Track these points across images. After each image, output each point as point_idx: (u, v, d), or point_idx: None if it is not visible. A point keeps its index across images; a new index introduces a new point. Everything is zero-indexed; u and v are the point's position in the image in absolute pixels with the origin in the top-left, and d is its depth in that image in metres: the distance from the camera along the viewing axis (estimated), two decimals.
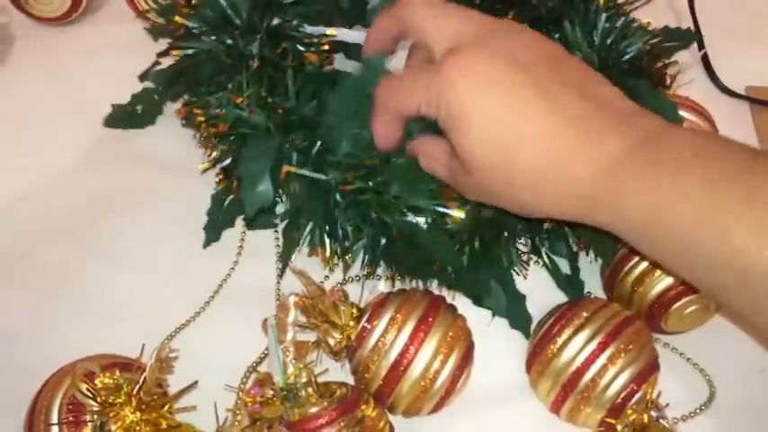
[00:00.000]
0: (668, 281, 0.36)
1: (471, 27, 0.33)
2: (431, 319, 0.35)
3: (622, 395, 0.34)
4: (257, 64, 0.38)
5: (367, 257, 0.38)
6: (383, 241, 0.37)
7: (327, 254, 0.38)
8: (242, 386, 0.36)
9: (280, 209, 0.41)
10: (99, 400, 0.31)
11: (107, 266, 0.42)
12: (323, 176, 0.37)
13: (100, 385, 0.31)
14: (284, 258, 0.41)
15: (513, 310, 0.39)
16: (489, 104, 0.30)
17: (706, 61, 0.54)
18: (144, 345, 0.34)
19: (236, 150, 0.39)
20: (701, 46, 0.54)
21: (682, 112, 0.41)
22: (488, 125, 0.31)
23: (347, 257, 0.39)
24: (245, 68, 0.38)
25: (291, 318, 0.35)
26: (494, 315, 0.39)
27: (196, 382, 0.34)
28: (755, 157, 0.27)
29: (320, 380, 0.34)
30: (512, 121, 0.30)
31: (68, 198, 0.45)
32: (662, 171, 0.27)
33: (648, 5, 0.45)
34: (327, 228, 0.38)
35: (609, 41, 0.40)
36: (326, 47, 0.40)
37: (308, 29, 0.40)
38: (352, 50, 0.42)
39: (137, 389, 0.31)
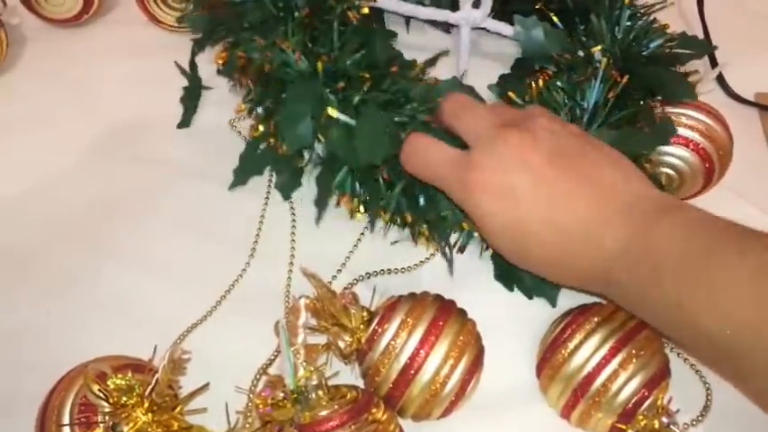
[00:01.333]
0: None
1: (491, 122, 0.38)
2: (441, 323, 0.35)
3: (633, 401, 0.33)
4: (306, 12, 0.40)
5: (393, 206, 0.40)
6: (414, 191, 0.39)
7: (355, 203, 0.40)
8: (253, 388, 0.36)
9: None
10: (111, 401, 0.31)
11: (117, 267, 0.42)
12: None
13: (112, 386, 0.31)
14: (319, 204, 0.43)
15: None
16: (507, 215, 0.36)
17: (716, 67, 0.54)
18: (156, 346, 0.34)
19: (275, 95, 0.40)
20: (713, 56, 0.54)
21: (699, 116, 0.42)
22: (508, 231, 0.36)
23: (377, 209, 0.41)
24: (290, 17, 0.40)
25: (302, 320, 0.35)
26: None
27: (207, 384, 0.35)
28: (712, 242, 0.31)
29: (330, 383, 0.34)
30: (526, 226, 0.35)
31: (80, 198, 0.45)
32: (645, 268, 0.32)
33: (659, 12, 0.45)
34: (360, 175, 0.40)
35: (631, 36, 0.42)
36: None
37: None
38: None
39: (149, 390, 0.31)
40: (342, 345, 0.36)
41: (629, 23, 0.43)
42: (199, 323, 0.39)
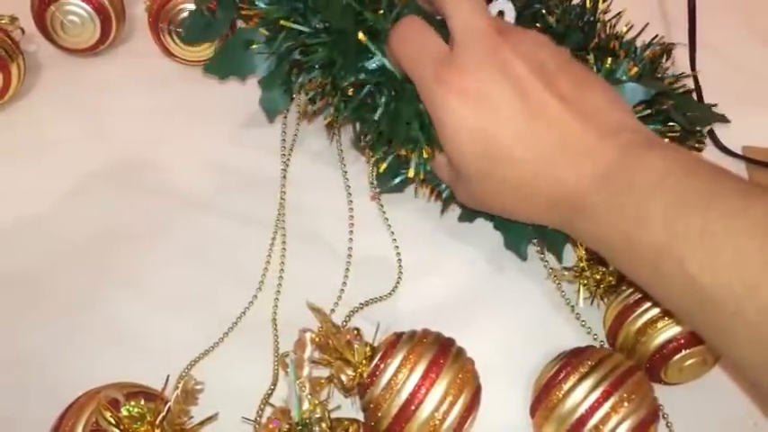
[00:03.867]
0: (669, 333, 0.38)
1: (482, 23, 0.36)
2: (442, 361, 0.36)
3: None
4: None
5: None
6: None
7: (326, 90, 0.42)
8: (258, 419, 0.37)
9: None
10: (122, 427, 0.32)
11: (123, 295, 0.43)
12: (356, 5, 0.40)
13: (125, 414, 0.32)
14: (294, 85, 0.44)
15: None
16: (479, 122, 0.34)
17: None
18: (168, 376, 0.35)
19: None
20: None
21: None
22: (476, 141, 0.34)
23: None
24: None
25: (308, 354, 0.37)
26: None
27: (216, 414, 0.36)
28: (713, 190, 0.29)
29: (333, 416, 0.35)
30: (497, 138, 0.33)
31: (87, 226, 0.46)
32: (629, 199, 0.30)
33: None
34: (342, 44, 0.40)
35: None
36: None
37: None
38: None
39: (160, 419, 0.32)
40: (344, 378, 0.38)
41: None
42: (206, 353, 0.40)
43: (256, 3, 0.44)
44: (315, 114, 0.46)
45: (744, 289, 0.26)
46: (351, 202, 0.48)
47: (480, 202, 0.37)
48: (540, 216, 0.35)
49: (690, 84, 0.48)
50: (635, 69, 0.41)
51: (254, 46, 0.45)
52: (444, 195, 0.44)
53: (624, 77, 0.40)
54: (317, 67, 0.42)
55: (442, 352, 0.37)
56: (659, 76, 0.44)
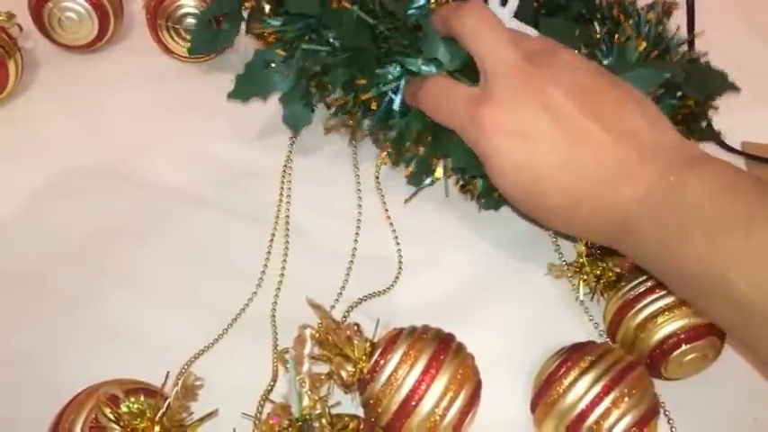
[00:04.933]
0: (669, 328, 0.38)
1: (510, 54, 0.36)
2: (442, 357, 0.36)
3: None
4: None
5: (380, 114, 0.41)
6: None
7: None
8: (258, 415, 0.37)
9: None
10: (122, 424, 0.32)
11: (121, 291, 0.43)
12: (369, 19, 0.40)
13: (125, 410, 0.32)
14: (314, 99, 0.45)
15: None
16: (522, 157, 0.34)
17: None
18: (168, 372, 0.35)
19: None
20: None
21: None
22: (521, 174, 0.35)
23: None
24: None
25: (308, 350, 0.37)
26: None
27: (216, 410, 0.35)
28: (755, 206, 0.29)
29: (333, 412, 0.35)
30: (541, 170, 0.34)
31: (86, 223, 0.46)
32: (672, 218, 0.31)
33: None
34: (361, 62, 0.41)
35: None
36: None
37: None
38: None
39: (160, 415, 0.32)
40: (344, 374, 0.38)
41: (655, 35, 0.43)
42: (205, 350, 0.40)
43: (269, 21, 0.44)
44: (335, 127, 0.46)
45: None
46: (360, 198, 0.48)
47: (529, 215, 0.38)
48: (589, 235, 0.37)
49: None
50: (643, 44, 0.41)
51: (273, 65, 0.46)
52: (479, 191, 0.44)
53: (634, 57, 0.40)
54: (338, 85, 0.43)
55: (443, 347, 0.37)
56: (665, 41, 0.44)
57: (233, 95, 0.46)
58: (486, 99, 0.35)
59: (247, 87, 0.46)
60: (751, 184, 0.31)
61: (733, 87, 0.48)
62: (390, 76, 0.41)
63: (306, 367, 0.36)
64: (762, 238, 0.28)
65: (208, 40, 0.49)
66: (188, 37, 0.54)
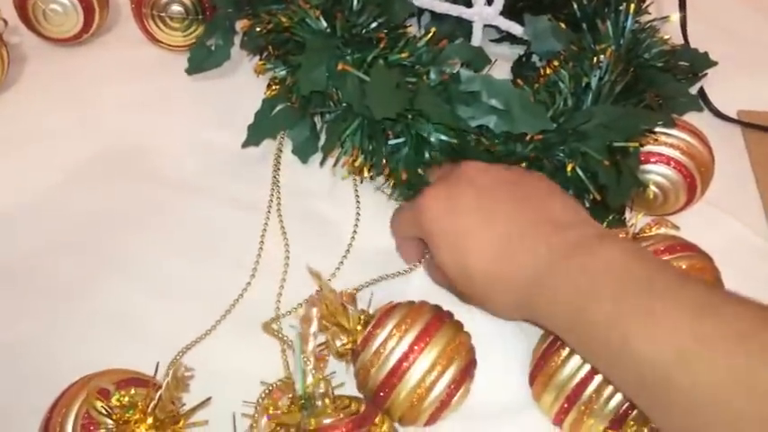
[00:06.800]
0: None
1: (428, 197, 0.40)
2: (433, 331, 0.36)
3: (624, 407, 0.35)
4: None
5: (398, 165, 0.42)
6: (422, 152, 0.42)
7: (360, 161, 0.43)
8: (260, 401, 0.37)
9: None
10: (114, 417, 0.32)
11: (118, 282, 0.43)
12: None
13: (116, 403, 0.31)
14: (324, 148, 0.46)
15: None
16: (448, 228, 0.38)
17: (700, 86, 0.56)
18: (158, 362, 0.34)
19: (295, 52, 0.43)
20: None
21: (680, 135, 0.43)
22: (449, 246, 0.38)
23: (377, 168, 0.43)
24: None
25: (313, 329, 0.36)
26: None
27: (209, 398, 0.35)
28: (655, 274, 0.33)
29: (336, 393, 0.35)
30: (464, 242, 0.37)
31: (80, 215, 0.46)
32: (582, 279, 0.33)
33: None
34: (370, 129, 0.42)
35: (637, 39, 0.45)
36: None
37: None
38: None
39: (152, 406, 0.32)
40: (338, 344, 0.37)
41: (633, 28, 0.45)
42: (200, 339, 0.40)
43: (276, 71, 0.45)
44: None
45: (676, 356, 0.30)
46: (357, 190, 0.48)
47: (469, 299, 0.40)
48: (508, 313, 0.39)
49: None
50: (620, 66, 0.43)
51: (279, 107, 0.47)
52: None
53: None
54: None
55: (435, 322, 0.37)
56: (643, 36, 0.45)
57: (246, 144, 0.47)
58: (422, 193, 0.40)
59: (258, 133, 0.47)
60: (652, 257, 0.35)
61: (714, 64, 0.53)
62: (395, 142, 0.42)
63: (311, 345, 0.35)
64: (658, 299, 0.31)
65: (202, 59, 0.50)
66: (174, 25, 0.54)
